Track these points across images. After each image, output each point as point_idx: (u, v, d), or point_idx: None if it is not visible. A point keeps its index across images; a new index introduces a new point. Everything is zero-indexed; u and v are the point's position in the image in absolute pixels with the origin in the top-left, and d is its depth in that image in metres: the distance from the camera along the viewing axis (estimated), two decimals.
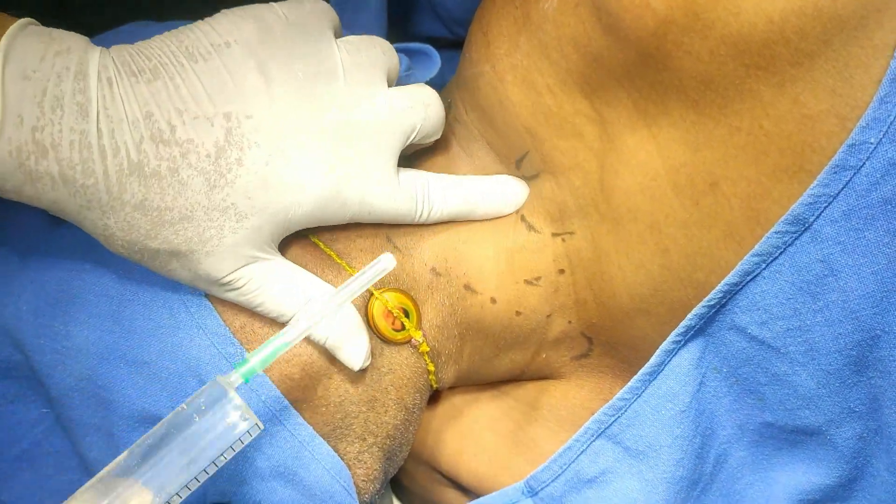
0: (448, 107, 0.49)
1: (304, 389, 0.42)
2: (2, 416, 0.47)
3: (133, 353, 0.42)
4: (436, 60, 0.52)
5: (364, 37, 0.43)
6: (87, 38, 0.38)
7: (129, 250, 0.38)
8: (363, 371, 0.43)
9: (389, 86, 0.43)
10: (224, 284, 0.40)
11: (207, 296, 0.42)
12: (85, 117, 0.36)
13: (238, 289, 0.40)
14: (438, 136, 0.45)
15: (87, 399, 0.43)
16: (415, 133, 0.43)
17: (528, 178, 0.46)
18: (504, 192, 0.46)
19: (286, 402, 0.42)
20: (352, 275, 0.44)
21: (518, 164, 0.46)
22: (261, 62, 0.39)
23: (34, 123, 0.35)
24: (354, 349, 0.42)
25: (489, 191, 0.46)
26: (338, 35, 0.43)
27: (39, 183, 0.36)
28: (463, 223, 0.47)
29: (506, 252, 0.46)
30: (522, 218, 0.46)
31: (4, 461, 0.47)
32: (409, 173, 0.44)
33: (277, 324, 0.42)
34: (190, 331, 0.42)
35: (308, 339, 0.42)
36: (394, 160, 0.42)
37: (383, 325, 0.44)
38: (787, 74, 0.37)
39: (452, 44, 0.66)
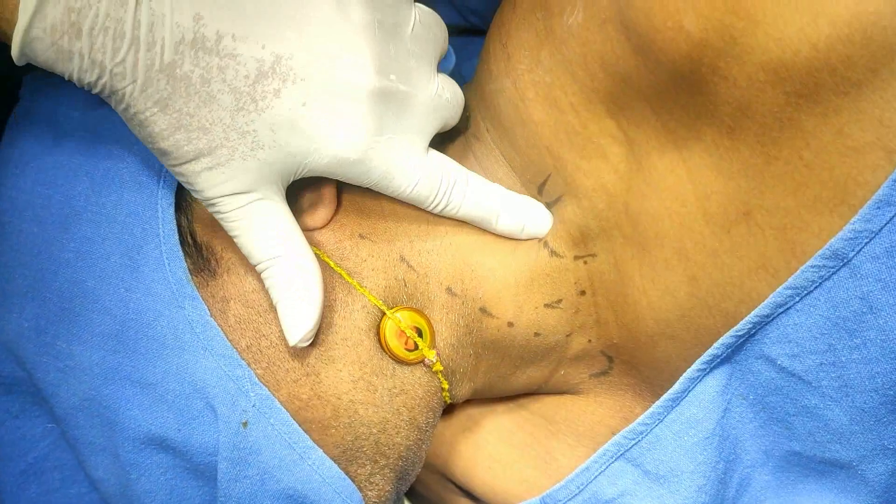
0: (466, 121, 0.47)
1: (313, 410, 0.41)
2: (7, 431, 0.46)
3: (138, 374, 0.41)
4: (450, 56, 0.50)
5: (432, 11, 0.41)
6: None
7: (143, 140, 0.38)
8: (374, 392, 0.42)
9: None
10: (212, 203, 0.38)
11: (212, 314, 0.41)
12: (124, 5, 0.34)
13: (223, 213, 0.39)
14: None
15: (91, 419, 0.43)
16: (445, 125, 0.42)
17: (551, 204, 0.44)
18: (528, 214, 0.44)
19: (295, 424, 0.41)
20: (364, 294, 0.42)
21: (540, 189, 0.44)
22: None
23: (71, 4, 0.34)
24: (296, 321, 0.39)
25: (514, 208, 0.44)
26: None
27: (71, 62, 0.35)
28: (480, 244, 0.45)
29: (525, 278, 0.44)
30: (545, 244, 0.44)
31: (10, 475, 0.46)
32: (442, 160, 0.42)
33: (284, 345, 0.41)
34: (195, 352, 0.41)
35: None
36: (427, 143, 0.41)
37: (395, 345, 0.42)
38: (831, 104, 0.35)
39: (465, 30, 0.63)
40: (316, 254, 0.42)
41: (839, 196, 0.36)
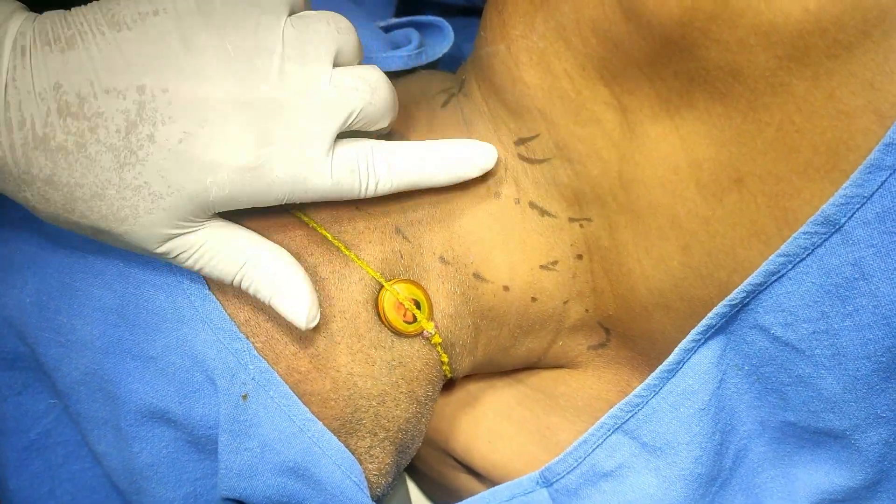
0: (460, 84, 0.47)
1: (312, 382, 0.42)
2: (10, 407, 0.46)
3: (138, 348, 0.42)
4: (448, 35, 0.50)
5: (320, 12, 0.40)
6: (20, 3, 0.37)
7: (55, 222, 0.37)
8: (372, 365, 0.42)
9: (339, 65, 0.39)
10: (160, 255, 0.38)
11: (211, 288, 0.41)
12: None
13: (174, 258, 0.38)
14: (386, 125, 0.41)
15: (93, 393, 0.43)
16: (356, 115, 0.39)
17: (535, 161, 0.44)
18: (466, 153, 0.43)
19: (294, 396, 0.41)
20: (361, 266, 0.42)
21: (519, 143, 0.44)
22: (187, 33, 0.36)
23: None
24: (294, 304, 0.39)
25: (448, 154, 0.42)
26: (297, 10, 0.39)
27: None
28: (461, 209, 0.44)
29: (516, 239, 0.45)
30: (531, 205, 0.44)
31: (13, 451, 0.47)
32: (349, 144, 0.40)
33: (282, 318, 0.41)
34: (195, 325, 0.41)
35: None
36: (330, 139, 0.39)
37: (394, 318, 0.42)
38: (823, 67, 0.35)
39: (466, 10, 0.63)
40: (313, 227, 0.42)
41: (831, 161, 0.36)
